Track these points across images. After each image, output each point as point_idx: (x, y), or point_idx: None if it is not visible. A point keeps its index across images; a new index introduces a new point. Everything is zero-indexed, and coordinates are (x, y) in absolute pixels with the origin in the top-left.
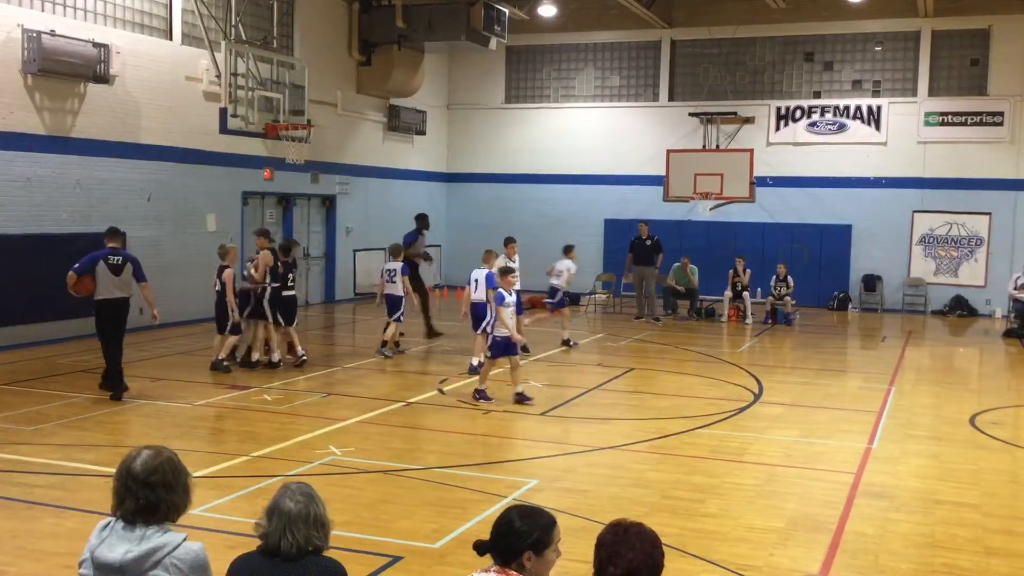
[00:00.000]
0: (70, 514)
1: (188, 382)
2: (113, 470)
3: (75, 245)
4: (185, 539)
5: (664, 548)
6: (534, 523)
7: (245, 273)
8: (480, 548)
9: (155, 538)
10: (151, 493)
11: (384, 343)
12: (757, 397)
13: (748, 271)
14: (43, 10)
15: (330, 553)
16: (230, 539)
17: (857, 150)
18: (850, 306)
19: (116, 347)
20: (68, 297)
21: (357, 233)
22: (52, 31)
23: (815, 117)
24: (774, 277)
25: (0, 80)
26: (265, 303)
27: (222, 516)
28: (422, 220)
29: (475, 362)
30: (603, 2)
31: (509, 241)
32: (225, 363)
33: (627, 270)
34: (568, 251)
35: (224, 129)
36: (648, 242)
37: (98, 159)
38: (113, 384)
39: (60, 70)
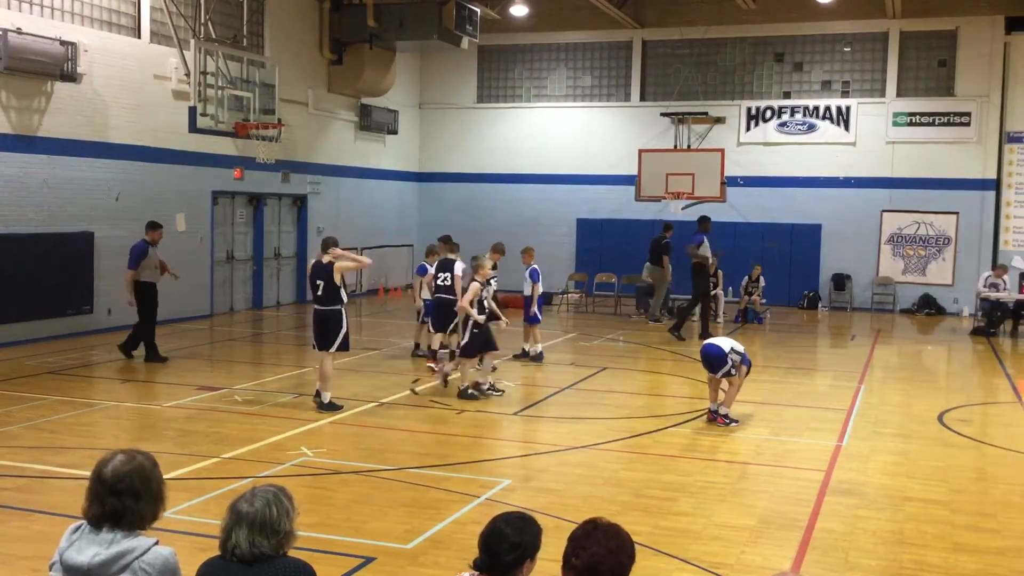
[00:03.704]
0: (38, 517)
1: (157, 383)
2: (82, 472)
3: (42, 245)
4: (155, 543)
5: (636, 551)
6: (530, 533)
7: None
8: (481, 566)
9: (124, 542)
10: (116, 501)
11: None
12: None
13: (721, 272)
14: (9, 8)
15: (302, 555)
16: (201, 541)
17: (826, 150)
18: (820, 305)
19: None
20: (36, 298)
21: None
22: (19, 29)
23: (785, 117)
24: (746, 278)
25: None
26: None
27: (192, 518)
28: (705, 222)
29: (538, 348)
30: (575, 2)
31: (497, 249)
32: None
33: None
34: None
35: (193, 128)
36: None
37: (66, 158)
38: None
39: (27, 68)
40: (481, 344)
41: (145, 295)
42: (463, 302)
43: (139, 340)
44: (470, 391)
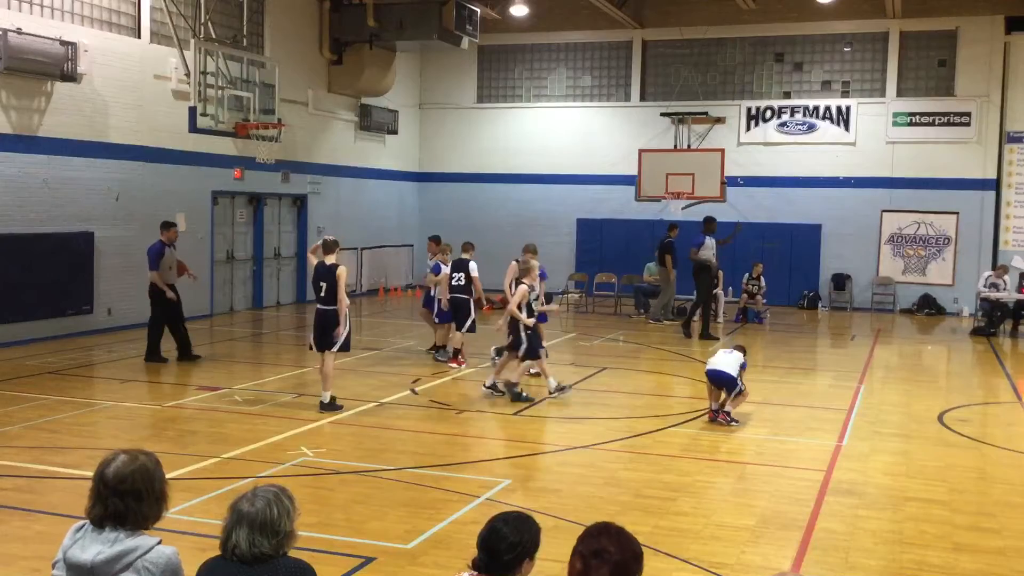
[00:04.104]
0: (38, 517)
1: (157, 383)
2: (82, 472)
3: (42, 245)
4: (158, 543)
5: (642, 564)
6: (529, 532)
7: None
8: (480, 565)
9: (127, 541)
10: (119, 502)
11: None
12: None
13: (721, 271)
14: (9, 8)
15: (302, 555)
16: (201, 541)
17: (826, 150)
18: (820, 305)
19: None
20: (36, 298)
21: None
22: (19, 29)
23: (785, 117)
24: (747, 275)
25: None
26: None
27: (193, 519)
28: (710, 223)
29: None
30: (575, 2)
31: (531, 249)
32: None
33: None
34: None
35: (193, 128)
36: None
37: (66, 158)
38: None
39: (27, 68)
40: (538, 347)
41: (159, 296)
42: (511, 305)
43: (184, 341)
44: (556, 391)
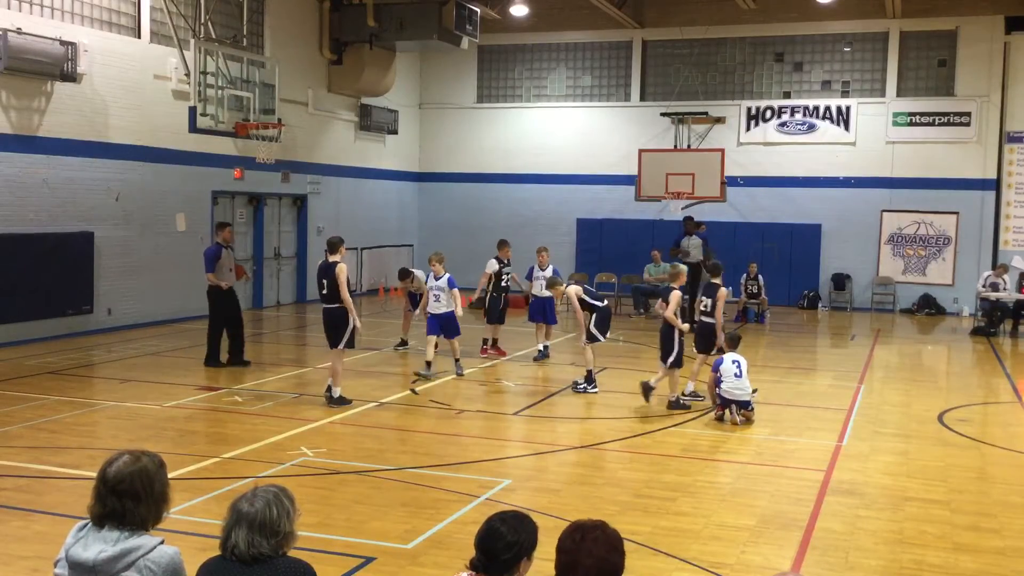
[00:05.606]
0: (38, 517)
1: (157, 383)
2: (81, 472)
3: (42, 245)
4: (161, 542)
5: (628, 548)
6: (526, 531)
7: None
8: (478, 565)
9: (130, 540)
10: (116, 502)
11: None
12: None
13: None
14: (9, 8)
15: (302, 555)
16: (201, 541)
17: (826, 150)
18: (820, 305)
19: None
20: (36, 298)
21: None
22: (19, 29)
23: (785, 117)
24: (744, 276)
25: None
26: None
27: (193, 518)
28: (686, 223)
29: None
30: (575, 2)
31: (503, 244)
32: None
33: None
34: None
35: (193, 128)
36: None
37: (66, 158)
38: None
39: (27, 68)
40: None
41: (216, 298)
42: (668, 313)
43: (239, 345)
44: (681, 401)
